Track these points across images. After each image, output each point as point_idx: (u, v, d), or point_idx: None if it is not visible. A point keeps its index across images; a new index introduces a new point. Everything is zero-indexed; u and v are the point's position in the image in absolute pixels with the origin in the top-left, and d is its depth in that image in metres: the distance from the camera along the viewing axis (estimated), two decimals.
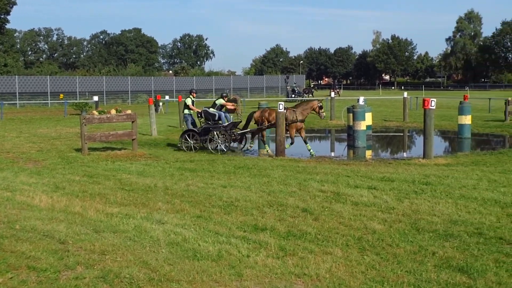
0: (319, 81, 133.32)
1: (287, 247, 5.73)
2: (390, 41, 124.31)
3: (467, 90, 67.26)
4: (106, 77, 57.21)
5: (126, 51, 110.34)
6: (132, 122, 15.07)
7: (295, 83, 66.68)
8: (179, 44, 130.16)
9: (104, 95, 52.55)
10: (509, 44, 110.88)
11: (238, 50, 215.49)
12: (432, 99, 13.85)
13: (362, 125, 17.68)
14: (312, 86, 74.50)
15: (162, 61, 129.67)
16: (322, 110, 16.31)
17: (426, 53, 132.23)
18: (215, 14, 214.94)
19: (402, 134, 22.91)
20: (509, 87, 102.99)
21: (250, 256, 5.45)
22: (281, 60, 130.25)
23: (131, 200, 8.26)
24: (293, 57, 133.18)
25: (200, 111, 16.81)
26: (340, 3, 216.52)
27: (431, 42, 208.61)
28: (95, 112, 29.55)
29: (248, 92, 62.78)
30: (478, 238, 6.00)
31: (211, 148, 15.75)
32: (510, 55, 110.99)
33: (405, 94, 28.47)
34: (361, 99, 20.30)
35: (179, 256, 5.47)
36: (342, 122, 24.85)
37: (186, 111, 17.20)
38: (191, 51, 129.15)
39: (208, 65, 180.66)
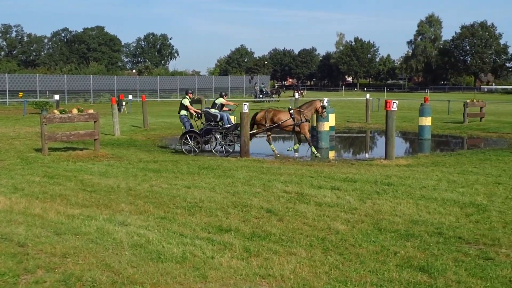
0: (284, 82, 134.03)
1: (251, 248, 5.74)
2: (353, 43, 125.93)
3: (427, 92, 68.63)
4: (68, 75, 56.15)
5: (88, 50, 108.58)
6: (94, 121, 14.83)
7: (263, 84, 67.11)
8: (143, 43, 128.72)
9: (66, 94, 51.53)
10: (467, 47, 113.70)
11: (203, 50, 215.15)
12: (394, 101, 14.09)
13: (325, 126, 17.86)
14: (277, 87, 74.87)
15: (126, 60, 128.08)
16: (324, 110, 16.47)
17: (388, 55, 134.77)
18: (180, 13, 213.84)
19: (364, 135, 23.23)
20: (467, 89, 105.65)
21: (215, 257, 5.44)
22: (245, 60, 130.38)
23: (93, 202, 8.12)
24: (258, 58, 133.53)
25: (199, 112, 16.56)
26: (304, 4, 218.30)
27: (393, 45, 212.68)
28: (56, 111, 28.91)
29: (212, 92, 62.53)
30: (438, 237, 6.13)
31: (212, 149, 15.59)
32: (469, 59, 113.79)
33: (368, 95, 28.89)
34: (325, 100, 20.48)
35: (143, 258, 5.41)
36: None
37: (183, 112, 16.76)
38: (155, 50, 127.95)
39: (172, 65, 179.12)
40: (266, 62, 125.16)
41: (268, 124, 16.10)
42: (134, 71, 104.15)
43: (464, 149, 17.34)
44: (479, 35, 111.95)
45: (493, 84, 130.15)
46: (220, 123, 15.88)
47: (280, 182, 9.59)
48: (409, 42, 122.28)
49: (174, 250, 5.63)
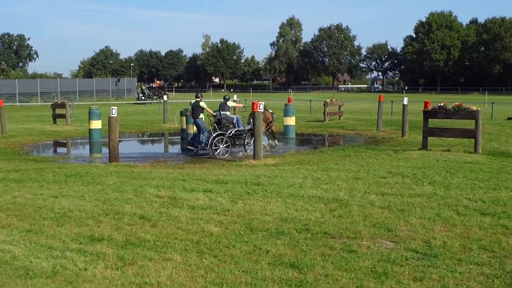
0: (151, 84, 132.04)
1: (126, 257, 5.66)
2: (219, 44, 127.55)
3: (290, 92, 71.53)
4: None
5: None
6: None
7: (145, 85, 66.12)
8: None
9: None
10: (325, 49, 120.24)
11: (65, 52, 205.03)
12: (260, 102, 14.57)
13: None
14: (158, 88, 73.26)
15: None
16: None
17: (253, 56, 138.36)
18: (37, 12, 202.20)
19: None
20: (326, 89, 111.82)
21: (88, 269, 5.29)
22: (111, 62, 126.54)
23: None
24: (124, 59, 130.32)
25: (215, 115, 16.42)
26: (168, 5, 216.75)
27: (257, 46, 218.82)
28: None
29: (77, 95, 59.72)
30: (306, 234, 6.49)
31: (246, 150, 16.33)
32: (327, 60, 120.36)
33: (235, 96, 29.47)
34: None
35: (9, 275, 5.11)
36: (175, 125, 24.97)
37: (202, 115, 16.28)
38: (12, 51, 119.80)
39: (32, 67, 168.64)
40: (132, 64, 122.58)
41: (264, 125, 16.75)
42: None
43: (325, 147, 18.39)
44: (335, 37, 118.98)
45: (349, 83, 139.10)
46: (230, 126, 16.40)
47: (152, 187, 9.51)
48: (272, 44, 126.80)
49: (44, 265, 5.38)
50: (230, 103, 17.45)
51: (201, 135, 16.12)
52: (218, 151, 15.72)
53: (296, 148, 18.24)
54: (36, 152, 18.21)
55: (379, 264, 5.38)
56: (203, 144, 16.01)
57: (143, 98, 53.43)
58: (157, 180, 10.33)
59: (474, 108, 14.30)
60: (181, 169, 12.58)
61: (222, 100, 17.66)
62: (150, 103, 50.23)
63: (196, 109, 16.30)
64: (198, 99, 16.42)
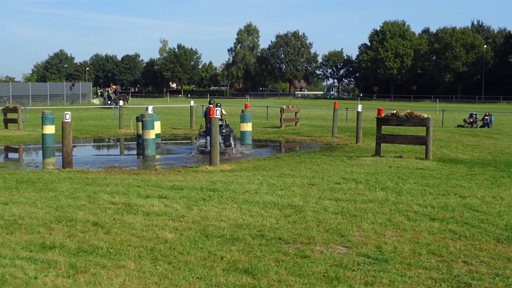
0: (107, 88, 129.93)
1: (78, 264, 5.57)
2: (177, 50, 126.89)
3: (247, 98, 71.77)
4: None
5: None
6: None
7: (111, 90, 66.38)
8: None
9: None
10: (282, 55, 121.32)
11: (17, 55, 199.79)
12: (217, 108, 14.59)
13: (151, 134, 17.81)
14: (120, 92, 72.47)
15: None
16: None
17: (211, 62, 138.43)
18: None
19: (189, 141, 23.59)
20: (283, 95, 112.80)
21: (38, 277, 5.18)
22: (65, 66, 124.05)
23: None
24: (79, 64, 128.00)
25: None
26: (124, 10, 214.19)
27: (215, 52, 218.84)
28: None
29: (30, 100, 58.20)
30: (261, 240, 6.54)
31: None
32: (284, 66, 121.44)
33: (192, 102, 29.43)
34: (150, 108, 20.46)
35: None
36: (131, 130, 24.70)
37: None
38: None
39: None
40: (87, 68, 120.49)
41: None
42: None
43: (281, 153, 18.55)
44: (292, 44, 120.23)
45: (306, 90, 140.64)
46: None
47: (107, 193, 9.38)
48: (229, 50, 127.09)
49: None
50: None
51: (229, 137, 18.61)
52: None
53: (253, 154, 18.32)
54: None
55: (331, 269, 5.48)
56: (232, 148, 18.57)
57: (109, 102, 53.68)
58: (111, 186, 10.20)
59: (425, 115, 14.71)
60: (136, 175, 12.46)
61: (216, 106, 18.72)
62: (116, 107, 50.04)
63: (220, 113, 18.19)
64: (211, 105, 18.22)
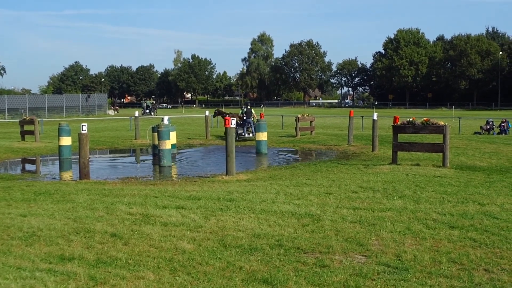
0: (122, 100, 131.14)
1: (97, 276, 5.59)
2: (191, 60, 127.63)
3: (262, 108, 71.80)
4: None
5: None
6: None
7: (149, 100, 69.97)
8: None
9: None
10: (297, 65, 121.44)
11: (34, 67, 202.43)
12: (232, 118, 14.61)
13: (167, 144, 17.88)
14: (154, 103, 75.12)
15: None
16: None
17: (225, 72, 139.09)
18: (4, 28, 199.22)
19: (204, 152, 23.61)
20: (298, 104, 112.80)
21: None
22: (81, 78, 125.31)
23: None
24: (94, 75, 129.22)
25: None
26: (139, 22, 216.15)
27: (229, 62, 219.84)
28: None
29: (46, 112, 58.89)
30: (279, 249, 6.51)
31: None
32: (298, 75, 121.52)
33: (207, 112, 29.51)
34: (166, 118, 20.54)
35: None
36: (147, 141, 24.82)
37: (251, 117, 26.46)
38: None
39: None
40: (103, 80, 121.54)
41: None
42: None
43: (297, 162, 18.49)
44: (306, 53, 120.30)
45: (320, 98, 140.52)
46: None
47: (124, 204, 9.43)
48: (243, 60, 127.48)
49: (12, 286, 5.28)
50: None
51: (251, 128, 26.07)
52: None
53: (269, 163, 18.30)
54: (4, 170, 17.86)
55: (351, 278, 5.44)
56: (251, 134, 25.59)
57: (147, 111, 59.52)
58: (128, 197, 10.25)
59: (442, 123, 14.59)
60: (153, 185, 12.50)
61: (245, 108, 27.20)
62: (153, 116, 56.09)
63: (248, 113, 26.54)
64: (249, 107, 27.42)
